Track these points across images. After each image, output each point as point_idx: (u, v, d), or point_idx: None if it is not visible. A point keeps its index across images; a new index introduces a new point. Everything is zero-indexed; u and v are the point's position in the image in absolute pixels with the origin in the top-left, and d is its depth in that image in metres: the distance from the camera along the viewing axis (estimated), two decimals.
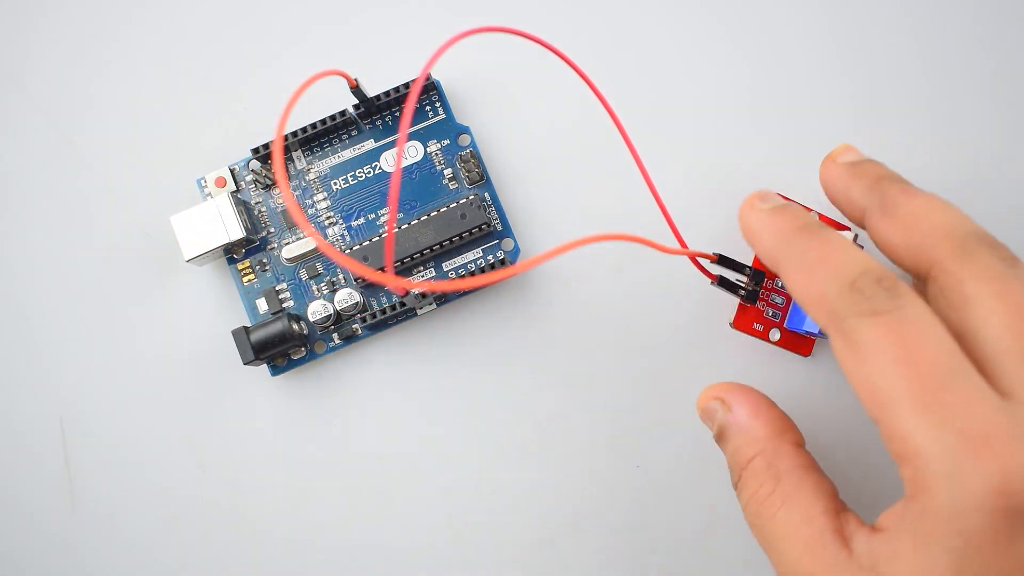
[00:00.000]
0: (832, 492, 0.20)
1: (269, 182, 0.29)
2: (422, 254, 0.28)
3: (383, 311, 0.27)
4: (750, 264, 0.27)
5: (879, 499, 0.27)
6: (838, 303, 0.18)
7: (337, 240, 0.29)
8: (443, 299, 0.28)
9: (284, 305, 0.29)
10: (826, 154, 0.23)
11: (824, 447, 0.28)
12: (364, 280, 0.28)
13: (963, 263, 0.18)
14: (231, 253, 0.29)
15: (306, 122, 0.29)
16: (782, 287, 0.27)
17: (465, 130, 0.29)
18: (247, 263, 0.29)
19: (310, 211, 0.29)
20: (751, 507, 0.21)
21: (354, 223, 0.29)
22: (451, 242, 0.28)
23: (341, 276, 0.29)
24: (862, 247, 0.27)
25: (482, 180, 0.29)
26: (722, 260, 0.26)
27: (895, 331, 0.17)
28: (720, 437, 0.23)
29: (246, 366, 0.28)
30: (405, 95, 0.28)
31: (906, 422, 0.17)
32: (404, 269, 0.29)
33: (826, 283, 0.19)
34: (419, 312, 0.28)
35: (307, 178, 0.29)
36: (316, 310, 0.28)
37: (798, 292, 0.20)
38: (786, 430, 0.22)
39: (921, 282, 0.20)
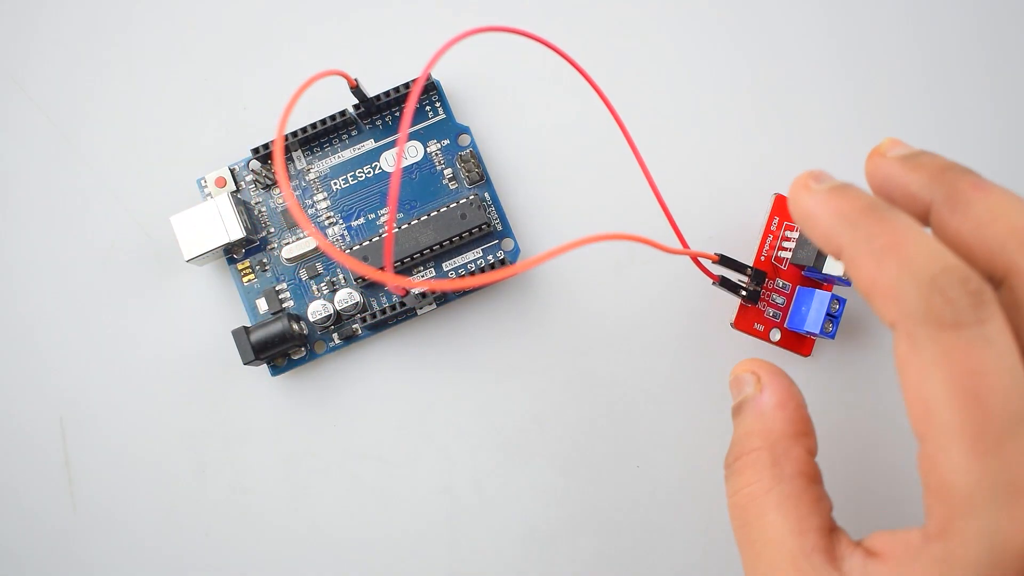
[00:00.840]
0: (828, 509, 0.19)
1: (269, 182, 0.29)
2: (422, 254, 0.28)
3: (383, 311, 0.27)
4: (751, 264, 0.27)
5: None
6: (914, 302, 0.16)
7: (337, 240, 0.29)
8: (443, 299, 0.28)
9: (284, 305, 0.29)
10: (870, 150, 0.21)
11: (821, 448, 0.28)
12: (364, 280, 0.28)
13: None
14: (231, 253, 0.29)
15: (306, 122, 0.29)
16: (783, 287, 0.27)
17: (465, 130, 0.29)
18: (247, 263, 0.29)
19: (310, 211, 0.29)
20: (739, 497, 0.20)
21: (354, 223, 0.29)
22: (451, 242, 0.28)
23: (341, 276, 0.29)
24: None
25: (482, 180, 0.29)
26: (723, 260, 0.26)
27: (971, 354, 0.16)
28: (737, 411, 0.22)
29: (246, 366, 0.28)
30: (405, 95, 0.28)
31: (956, 459, 0.15)
32: (404, 269, 0.29)
33: (901, 275, 0.17)
34: (419, 312, 0.28)
35: (307, 178, 0.29)
36: (316, 310, 0.28)
37: (865, 282, 0.17)
38: (805, 434, 0.21)
39: (991, 285, 0.18)
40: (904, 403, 0.16)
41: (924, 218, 0.19)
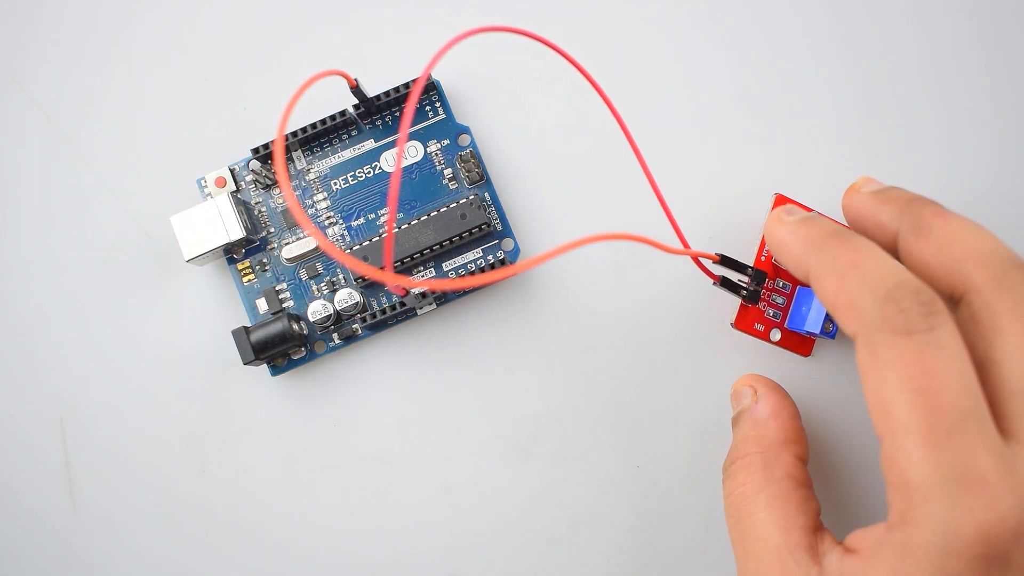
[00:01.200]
0: (816, 511, 0.21)
1: (269, 182, 0.29)
2: (422, 254, 0.28)
3: (383, 311, 0.27)
4: (752, 264, 0.27)
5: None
6: (871, 313, 0.18)
7: (337, 240, 0.29)
8: (443, 299, 0.28)
9: (284, 305, 0.29)
10: (848, 187, 0.23)
11: (820, 448, 0.28)
12: (364, 280, 0.28)
13: (1000, 293, 0.18)
14: (231, 253, 0.29)
15: (306, 122, 0.29)
16: (783, 287, 0.27)
17: (465, 130, 0.29)
18: (247, 263, 0.29)
19: (310, 211, 0.29)
20: (733, 498, 0.21)
21: (354, 223, 0.29)
22: (451, 242, 0.28)
23: (341, 276, 0.29)
24: None
25: (482, 180, 0.29)
26: (724, 260, 0.26)
27: (923, 357, 0.17)
28: (736, 420, 0.24)
29: (246, 366, 0.28)
30: (405, 95, 0.28)
31: (910, 453, 0.17)
32: (404, 269, 0.29)
33: (859, 290, 0.18)
34: (419, 312, 0.28)
35: (307, 178, 0.29)
36: (316, 310, 0.28)
37: (829, 298, 0.19)
38: (795, 441, 0.22)
39: (951, 303, 0.20)
40: (867, 406, 0.18)
41: (893, 246, 0.21)
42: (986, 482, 0.16)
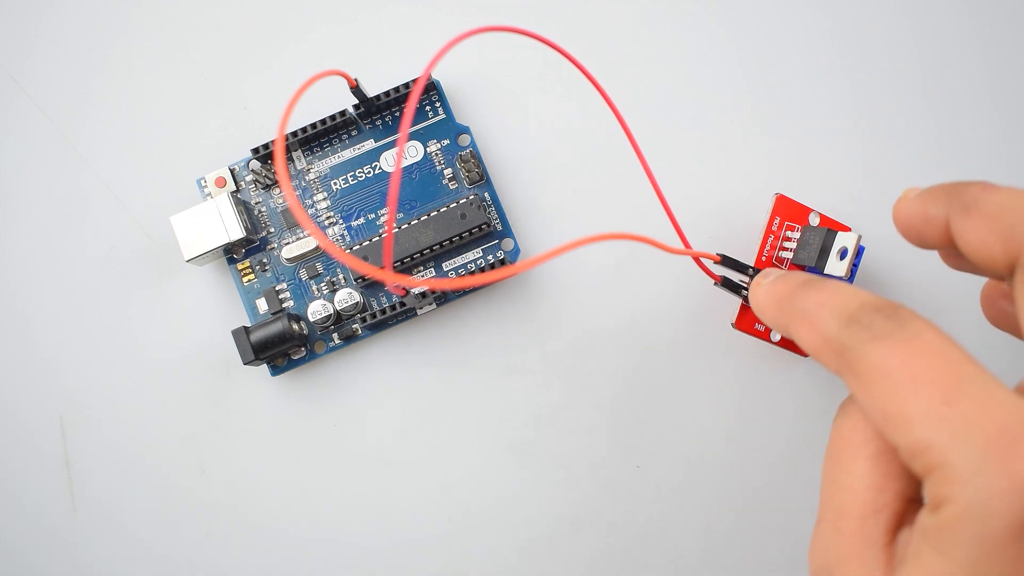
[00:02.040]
0: (918, 484, 0.19)
1: (269, 182, 0.29)
2: (422, 254, 0.28)
3: (383, 311, 0.27)
4: (752, 264, 0.27)
5: None
6: (840, 338, 0.18)
7: (337, 240, 0.29)
8: (443, 299, 0.28)
9: (284, 305, 0.29)
10: (895, 201, 0.23)
11: (823, 448, 0.28)
12: (364, 280, 0.28)
13: None
14: (231, 253, 0.29)
15: (306, 122, 0.29)
16: None
17: (465, 130, 0.29)
18: (247, 263, 0.29)
19: (310, 211, 0.29)
20: (840, 438, 0.20)
21: (354, 223, 0.29)
22: (451, 242, 0.28)
23: (341, 276, 0.29)
24: (862, 247, 0.27)
25: (482, 180, 0.29)
26: (725, 260, 0.26)
27: (899, 350, 0.17)
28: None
29: (246, 366, 0.28)
30: (405, 95, 0.28)
31: (926, 434, 0.16)
32: (404, 269, 0.29)
33: (828, 323, 0.19)
34: (419, 312, 0.28)
35: (307, 178, 0.29)
36: (316, 310, 0.28)
37: (808, 344, 0.19)
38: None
39: (1010, 278, 0.19)
40: (880, 429, 0.17)
41: (947, 236, 0.21)
42: (1010, 435, 0.16)
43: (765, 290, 0.22)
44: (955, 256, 0.21)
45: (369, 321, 0.27)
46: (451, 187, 0.29)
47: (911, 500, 0.19)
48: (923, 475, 0.17)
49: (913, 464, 0.17)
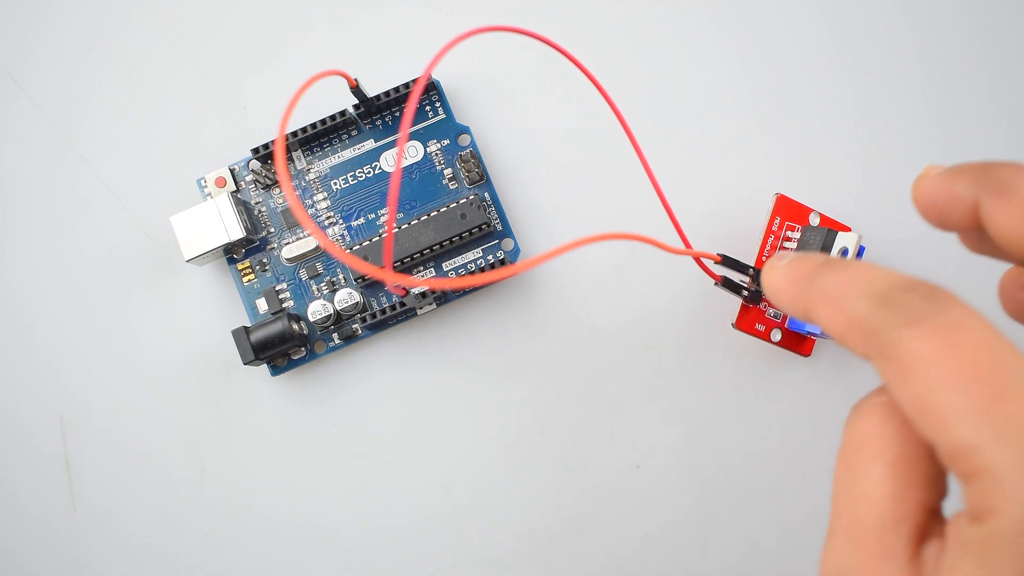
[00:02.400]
0: (941, 493, 0.18)
1: (269, 182, 0.29)
2: (422, 254, 0.28)
3: (383, 311, 0.27)
4: (753, 265, 0.27)
5: None
6: (872, 320, 0.16)
7: (337, 240, 0.29)
8: (443, 299, 0.28)
9: (284, 305, 0.29)
10: (915, 179, 0.21)
11: (823, 448, 0.28)
12: (364, 280, 0.28)
13: None
14: (231, 253, 0.29)
15: (306, 122, 0.29)
16: None
17: (465, 130, 0.29)
18: (247, 263, 0.29)
19: (310, 211, 0.29)
20: (855, 440, 0.18)
21: (354, 223, 0.29)
22: (451, 242, 0.28)
23: (341, 276, 0.29)
24: (863, 247, 0.27)
25: (482, 180, 0.29)
26: (726, 261, 0.26)
27: (942, 337, 0.15)
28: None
29: (246, 366, 0.28)
30: (405, 95, 0.28)
31: (970, 434, 0.15)
32: (404, 269, 0.29)
33: (854, 304, 0.17)
34: (419, 312, 0.28)
35: (307, 178, 0.29)
36: (316, 310, 0.28)
37: (830, 326, 0.18)
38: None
39: None
40: (912, 422, 0.16)
41: (974, 219, 0.19)
42: None
43: (781, 273, 0.20)
44: (977, 239, 0.20)
45: (369, 321, 0.27)
46: (451, 187, 0.29)
47: (933, 512, 0.17)
48: (964, 479, 0.15)
49: (953, 465, 0.15)
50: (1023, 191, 0.18)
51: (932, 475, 0.18)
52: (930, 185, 0.20)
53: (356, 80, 0.26)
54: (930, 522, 0.17)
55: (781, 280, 0.20)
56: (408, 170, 0.29)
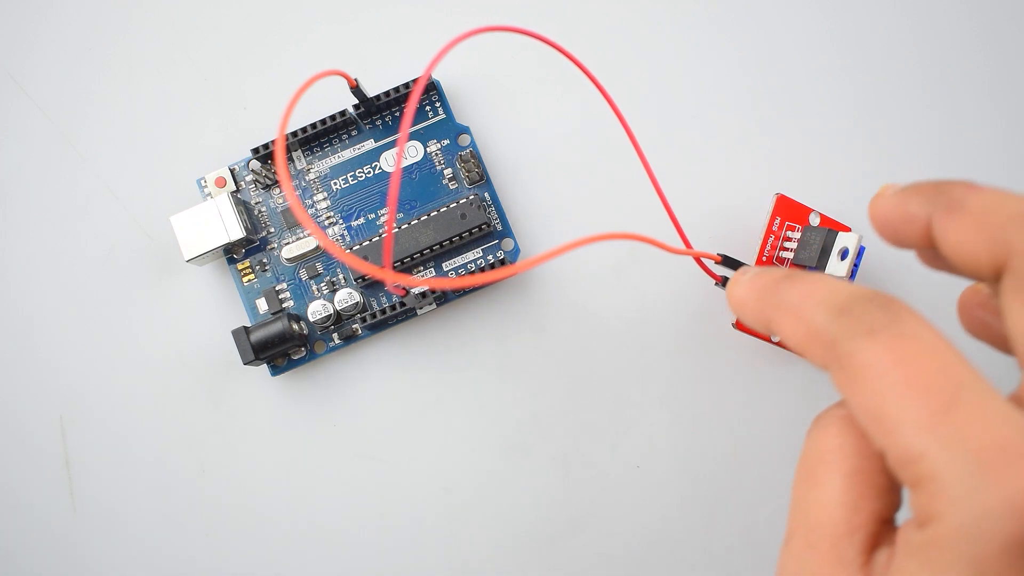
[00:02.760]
0: (895, 505, 0.19)
1: (269, 182, 0.29)
2: (422, 254, 0.28)
3: (383, 311, 0.27)
4: (753, 265, 0.27)
5: None
6: (830, 330, 0.17)
7: (337, 240, 0.29)
8: (443, 299, 0.28)
9: (284, 305, 0.29)
10: (871, 198, 0.22)
11: None
12: (364, 280, 0.28)
13: None
14: (231, 253, 0.29)
15: (306, 122, 0.29)
16: None
17: (465, 130, 0.29)
18: (247, 263, 0.29)
19: (310, 211, 0.29)
20: (815, 452, 0.19)
21: (354, 223, 0.29)
22: (451, 242, 0.28)
23: (341, 276, 0.29)
24: (863, 247, 0.27)
25: (482, 180, 0.29)
26: (726, 261, 0.26)
27: (894, 348, 0.16)
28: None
29: (246, 366, 0.28)
30: (405, 95, 0.28)
31: (917, 443, 0.15)
32: (404, 269, 0.29)
33: (815, 314, 0.18)
34: (419, 312, 0.28)
35: (307, 178, 0.29)
36: (316, 310, 0.28)
37: (791, 336, 0.19)
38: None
39: (997, 282, 0.18)
40: (867, 432, 0.17)
41: (927, 237, 0.20)
42: (1005, 451, 0.15)
43: (744, 288, 0.21)
44: (933, 256, 0.20)
45: (369, 321, 0.27)
46: (451, 187, 0.29)
47: (886, 521, 0.18)
48: (911, 486, 0.16)
49: (901, 473, 0.16)
50: (973, 209, 0.18)
51: (886, 487, 0.19)
52: (885, 204, 0.21)
53: (356, 80, 0.26)
54: (883, 530, 0.18)
55: (745, 293, 0.21)
56: (408, 170, 0.29)
